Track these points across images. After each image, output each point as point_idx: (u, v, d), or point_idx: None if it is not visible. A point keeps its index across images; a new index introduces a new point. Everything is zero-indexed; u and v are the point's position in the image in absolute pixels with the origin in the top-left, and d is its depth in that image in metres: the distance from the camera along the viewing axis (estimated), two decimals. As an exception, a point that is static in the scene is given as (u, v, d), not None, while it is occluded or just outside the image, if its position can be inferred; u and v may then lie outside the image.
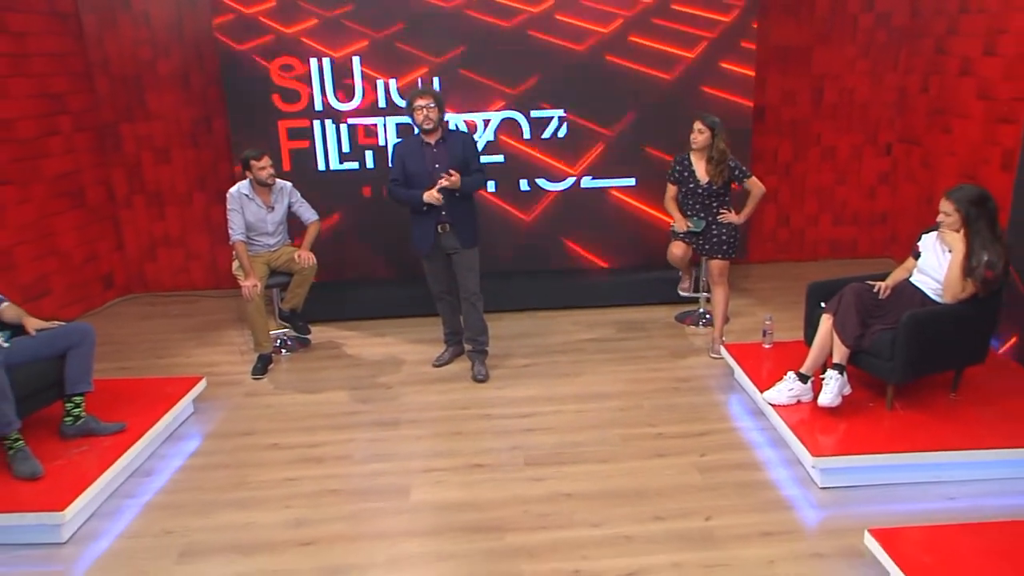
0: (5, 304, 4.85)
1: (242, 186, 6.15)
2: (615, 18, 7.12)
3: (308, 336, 6.74)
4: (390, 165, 5.88)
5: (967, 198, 4.67)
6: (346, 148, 7.29)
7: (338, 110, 7.18)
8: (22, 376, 4.48)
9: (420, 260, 5.98)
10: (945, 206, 4.72)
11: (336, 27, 7.01)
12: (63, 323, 5.02)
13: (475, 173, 5.72)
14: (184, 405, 5.44)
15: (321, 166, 7.28)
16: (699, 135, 6.00)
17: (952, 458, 4.47)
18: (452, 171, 5.50)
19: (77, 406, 4.81)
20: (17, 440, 4.40)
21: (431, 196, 5.50)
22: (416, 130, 5.70)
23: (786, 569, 3.78)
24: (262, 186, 6.15)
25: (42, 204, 7.20)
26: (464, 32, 7.11)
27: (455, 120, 7.15)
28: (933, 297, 4.87)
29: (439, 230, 5.77)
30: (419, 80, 7.02)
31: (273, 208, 6.25)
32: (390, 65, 7.10)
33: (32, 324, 4.80)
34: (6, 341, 4.66)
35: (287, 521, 4.32)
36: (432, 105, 5.53)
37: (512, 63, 7.20)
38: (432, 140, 5.62)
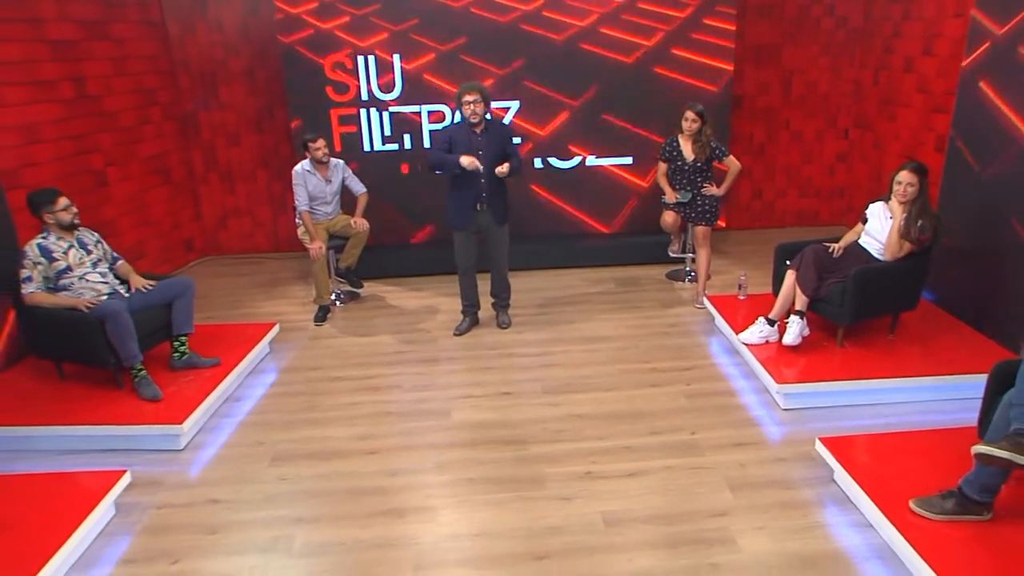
0: (120, 262, 5.07)
1: (304, 164, 6.21)
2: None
3: (360, 290, 6.84)
4: (439, 139, 5.70)
5: (922, 170, 4.78)
6: (387, 132, 7.30)
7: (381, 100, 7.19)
8: (140, 320, 4.70)
9: (450, 233, 5.86)
10: (912, 178, 4.76)
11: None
12: (163, 278, 5.19)
13: (512, 157, 5.57)
14: (262, 346, 5.59)
15: (367, 147, 7.33)
16: (692, 123, 6.02)
17: (888, 384, 4.65)
18: (501, 166, 5.44)
19: (183, 344, 5.03)
20: (141, 370, 4.65)
21: (471, 162, 5.36)
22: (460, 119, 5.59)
23: (755, 470, 3.99)
24: (320, 163, 6.24)
25: (139, 181, 7.30)
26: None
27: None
28: (876, 256, 4.99)
29: (477, 208, 5.67)
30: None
31: (330, 181, 6.32)
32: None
33: (137, 283, 5.00)
34: (126, 292, 4.90)
35: (354, 435, 4.52)
36: (479, 100, 5.41)
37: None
38: (478, 130, 5.51)
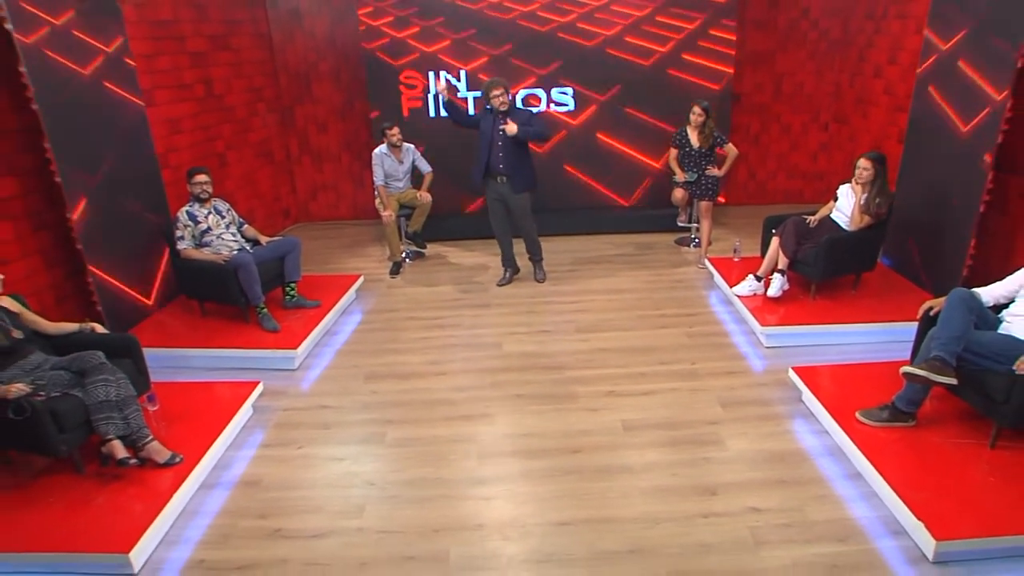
0: (246, 226, 5.43)
1: (382, 148, 6.42)
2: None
3: (424, 250, 7.10)
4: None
5: (879, 159, 4.94)
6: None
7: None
8: (261, 270, 5.05)
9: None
10: (866, 164, 4.90)
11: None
12: (281, 237, 5.58)
13: (529, 125, 5.63)
14: (350, 293, 5.86)
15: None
16: (698, 117, 6.14)
17: (849, 328, 4.86)
18: (511, 121, 5.53)
19: (293, 289, 5.38)
20: (263, 308, 5.03)
21: (441, 89, 5.66)
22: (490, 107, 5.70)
23: (741, 392, 4.28)
24: (394, 147, 6.45)
25: (249, 162, 7.58)
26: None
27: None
28: (844, 227, 5.15)
29: (498, 180, 5.79)
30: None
31: (402, 162, 6.54)
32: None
33: (264, 239, 5.39)
34: (251, 248, 5.26)
35: (426, 361, 4.84)
36: (504, 94, 5.59)
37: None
38: (502, 116, 5.63)
